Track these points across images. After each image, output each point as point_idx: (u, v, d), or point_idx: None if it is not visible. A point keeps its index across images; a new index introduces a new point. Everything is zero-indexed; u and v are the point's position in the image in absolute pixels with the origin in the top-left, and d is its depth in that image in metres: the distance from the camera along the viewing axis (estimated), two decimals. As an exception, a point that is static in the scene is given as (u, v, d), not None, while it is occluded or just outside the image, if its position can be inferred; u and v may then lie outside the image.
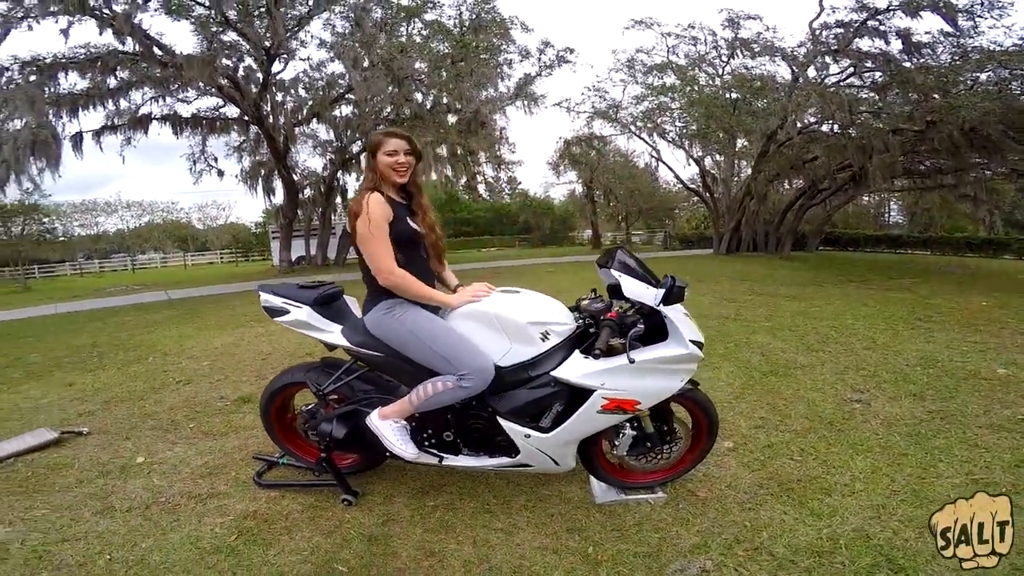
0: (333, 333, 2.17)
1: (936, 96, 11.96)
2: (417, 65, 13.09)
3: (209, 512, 2.26)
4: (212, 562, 1.93)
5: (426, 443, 2.15)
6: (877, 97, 14.33)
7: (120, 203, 41.64)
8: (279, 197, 17.79)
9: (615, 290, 2.00)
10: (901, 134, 12.89)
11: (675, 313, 1.95)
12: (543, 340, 2.00)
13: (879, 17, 13.38)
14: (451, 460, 2.15)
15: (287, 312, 2.22)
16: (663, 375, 1.98)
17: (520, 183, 28.65)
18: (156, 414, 3.44)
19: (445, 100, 13.64)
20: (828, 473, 2.43)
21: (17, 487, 2.54)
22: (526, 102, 16.24)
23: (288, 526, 2.14)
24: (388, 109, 14.89)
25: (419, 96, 14.12)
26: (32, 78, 10.85)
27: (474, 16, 14.42)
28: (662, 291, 1.91)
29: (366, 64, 12.15)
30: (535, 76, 16.68)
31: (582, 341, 2.08)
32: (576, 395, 1.97)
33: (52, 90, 11.59)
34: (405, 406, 2.04)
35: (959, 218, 26.34)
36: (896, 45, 13.39)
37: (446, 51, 13.68)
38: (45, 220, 21.76)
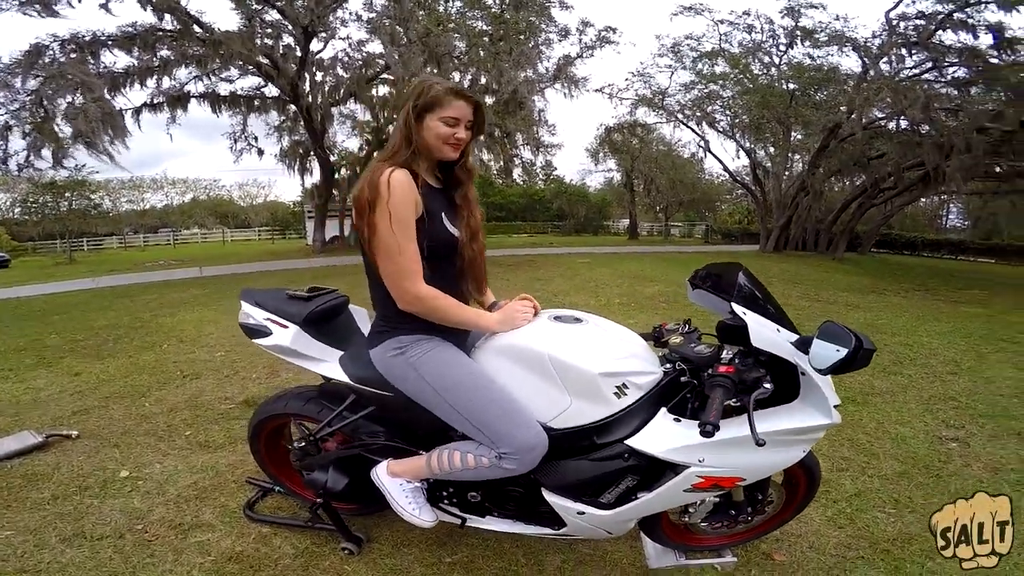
0: (328, 363, 1.67)
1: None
2: (455, 43, 12.62)
3: (188, 548, 1.93)
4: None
5: (445, 501, 1.69)
6: (957, 93, 13.22)
7: (166, 180, 43.04)
8: (315, 177, 17.76)
9: (728, 331, 1.44)
10: (985, 134, 11.82)
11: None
12: (618, 397, 1.42)
13: (968, 10, 12.27)
14: (476, 522, 1.69)
15: (268, 333, 1.71)
16: (785, 447, 1.41)
17: (556, 168, 27.99)
18: (153, 416, 3.15)
19: (483, 80, 13.13)
20: (928, 531, 1.97)
21: (-11, 499, 2.27)
22: (566, 84, 15.58)
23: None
24: (425, 88, 14.54)
25: (456, 75, 13.66)
26: (73, 55, 10.83)
27: (515, -7, 13.87)
28: (793, 336, 1.36)
29: (404, 41, 11.74)
30: (575, 57, 16.01)
31: (669, 394, 1.50)
32: (657, 467, 1.43)
33: (95, 68, 11.59)
34: (421, 466, 1.57)
35: (1029, 225, 24.45)
36: (985, 40, 12.31)
37: (484, 28, 13.15)
38: (93, 196, 22.29)
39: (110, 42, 11.41)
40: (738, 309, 1.35)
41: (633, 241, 26.09)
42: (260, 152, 17.58)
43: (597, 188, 36.89)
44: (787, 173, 19.37)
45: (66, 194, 20.51)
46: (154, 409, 3.26)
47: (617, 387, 1.41)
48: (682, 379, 1.49)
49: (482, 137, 15.01)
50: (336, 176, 17.85)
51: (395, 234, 1.33)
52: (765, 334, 1.33)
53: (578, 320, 1.58)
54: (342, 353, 1.70)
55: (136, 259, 19.01)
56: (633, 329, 1.66)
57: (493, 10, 13.66)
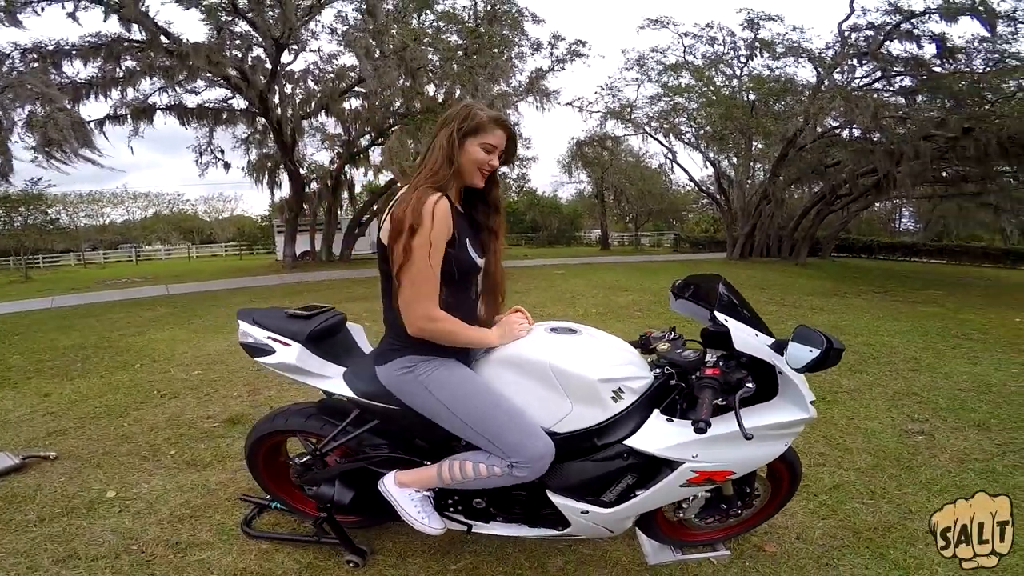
0: (333, 380, 1.70)
1: (970, 102, 11.59)
2: (430, 56, 12.68)
3: (189, 567, 1.90)
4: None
5: (451, 509, 1.74)
6: (904, 102, 13.95)
7: (127, 194, 41.59)
8: (285, 190, 17.49)
9: (711, 337, 1.55)
10: (932, 140, 12.51)
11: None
12: (615, 401, 1.52)
13: (913, 21, 12.97)
14: (482, 528, 1.74)
15: (271, 352, 1.73)
16: (769, 441, 1.55)
17: (529, 180, 28.25)
18: (134, 436, 3.07)
19: (458, 93, 13.24)
20: (906, 519, 2.17)
21: (-31, 524, 2.18)
22: (538, 97, 15.83)
23: (281, 592, 1.78)
24: (399, 102, 14.53)
25: (431, 89, 13.73)
26: (34, 65, 10.47)
27: (490, 7, 14.04)
28: (768, 341, 1.47)
29: (377, 54, 11.75)
30: (547, 71, 16.29)
31: (660, 396, 1.61)
32: (654, 464, 1.54)
33: (56, 78, 11.22)
34: (430, 476, 1.60)
35: (975, 227, 25.83)
36: (929, 50, 13.04)
37: (459, 42, 13.28)
38: (50, 211, 21.37)
39: (74, 52, 11.07)
40: (720, 317, 1.47)
41: (605, 251, 26.47)
42: (227, 165, 17.22)
43: (569, 200, 37.38)
44: (750, 182, 20.03)
45: (20, 208, 19.61)
46: (134, 429, 3.17)
47: (614, 391, 1.51)
48: (671, 382, 1.60)
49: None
50: (306, 190, 17.61)
51: (430, 263, 1.37)
52: (746, 339, 1.46)
53: (572, 331, 1.67)
54: (345, 369, 1.73)
55: (97, 276, 18.24)
56: (621, 338, 1.76)
57: (468, 24, 13.79)
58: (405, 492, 1.63)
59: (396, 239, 1.38)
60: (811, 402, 1.53)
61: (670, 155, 21.04)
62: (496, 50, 13.12)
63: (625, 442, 1.51)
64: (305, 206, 17.90)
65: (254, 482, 2.13)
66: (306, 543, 1.99)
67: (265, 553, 1.97)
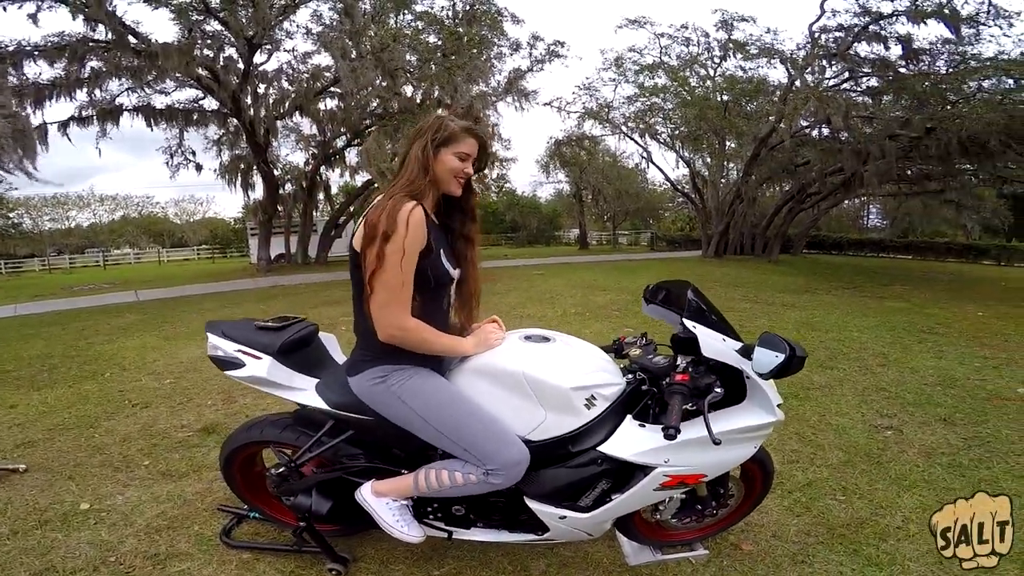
0: (305, 391, 1.70)
1: (932, 103, 11.98)
2: (408, 57, 12.58)
3: (168, 579, 1.87)
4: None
5: (430, 516, 1.75)
6: (871, 102, 14.32)
7: (93, 197, 40.37)
8: (258, 192, 17.15)
9: (682, 343, 1.57)
10: (896, 140, 12.89)
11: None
12: (588, 408, 1.54)
13: (881, 22, 13.27)
14: (462, 534, 1.75)
15: (241, 365, 1.71)
16: (739, 444, 1.59)
17: (508, 181, 28.27)
18: (106, 447, 2.99)
19: (436, 94, 13.18)
20: (878, 514, 2.24)
21: (-63, 539, 2.11)
22: (517, 98, 15.85)
23: (263, 602, 1.77)
24: (375, 103, 14.38)
25: (408, 89, 13.63)
26: (-7, 66, 10.08)
27: (467, 7, 13.99)
28: (745, 348, 1.51)
29: (354, 55, 11.61)
30: (526, 71, 16.31)
31: (633, 402, 1.64)
32: (627, 470, 1.57)
33: (17, 79, 10.81)
34: (407, 485, 1.61)
35: (939, 223, 26.79)
36: (896, 51, 13.34)
37: (437, 43, 13.20)
38: (11, 214, 20.63)
39: (36, 52, 10.67)
40: (689, 324, 1.51)
41: (584, 251, 26.66)
42: (198, 167, 16.81)
43: (548, 199, 37.53)
44: (723, 181, 20.36)
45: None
46: (106, 440, 3.10)
47: (587, 399, 1.54)
48: (643, 387, 1.64)
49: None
50: (281, 191, 17.31)
51: (402, 271, 1.39)
52: (713, 345, 1.50)
53: (546, 339, 1.69)
54: (318, 380, 1.72)
55: (62, 282, 17.66)
56: (595, 343, 1.80)
57: (447, 24, 13.71)
58: (383, 501, 1.64)
59: (369, 245, 1.39)
60: (778, 405, 1.59)
61: (646, 155, 21.31)
62: (475, 51, 13.07)
63: (599, 448, 1.54)
64: (280, 208, 17.59)
65: (232, 492, 2.10)
66: (287, 552, 1.98)
67: (246, 563, 1.95)
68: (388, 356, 1.52)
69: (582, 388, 1.53)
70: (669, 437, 1.33)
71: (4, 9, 10.06)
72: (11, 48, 10.54)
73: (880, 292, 9.93)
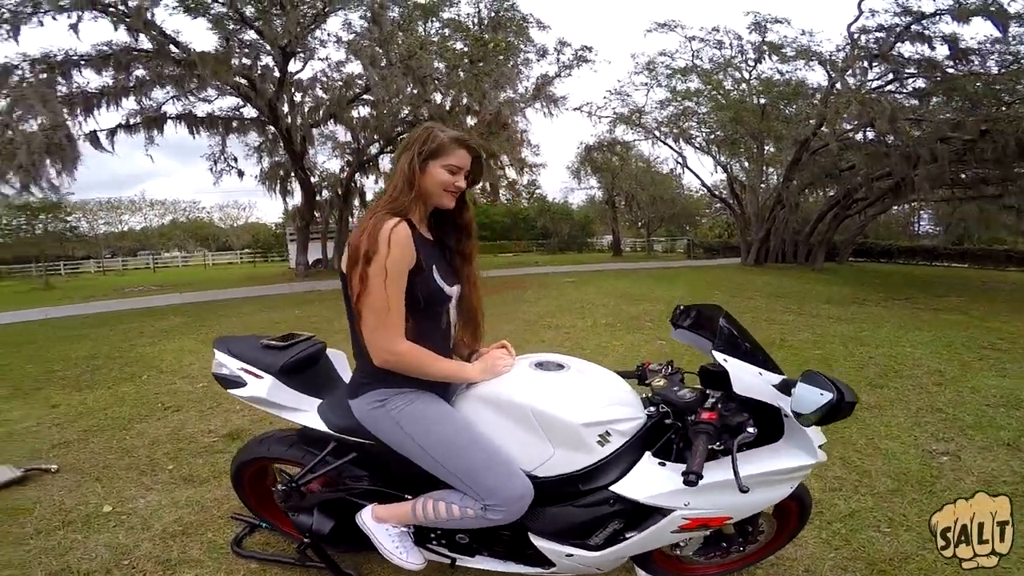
0: (307, 413, 1.64)
1: (985, 104, 11.36)
2: (436, 64, 12.70)
3: (177, 586, 1.86)
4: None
5: (433, 541, 1.66)
6: (918, 104, 13.68)
7: (144, 202, 42.37)
8: (297, 198, 17.64)
9: (712, 376, 1.44)
10: (949, 143, 12.24)
11: None
12: (601, 445, 1.41)
13: (924, 22, 12.71)
14: (466, 561, 1.66)
15: (242, 384, 1.67)
16: (771, 486, 1.42)
17: (538, 187, 28.22)
18: (135, 449, 3.06)
19: (465, 101, 13.25)
20: (925, 548, 2.03)
21: (-33, 535, 2.21)
22: (545, 104, 15.78)
23: (268, 616, 1.73)
24: (406, 110, 14.58)
25: (438, 97, 13.76)
26: (43, 76, 10.60)
27: (493, 13, 14.05)
28: (779, 379, 1.36)
29: (384, 63, 11.80)
30: (554, 77, 16.24)
31: (654, 436, 1.49)
32: (643, 510, 1.42)
33: (66, 89, 11.36)
34: (406, 513, 1.54)
35: (998, 230, 25.22)
36: (942, 51, 12.77)
37: (464, 49, 13.30)
38: (69, 218, 21.91)
39: (83, 62, 11.18)
40: (719, 357, 1.36)
41: (617, 258, 26.33)
42: (240, 174, 17.45)
43: (580, 205, 37.31)
44: (763, 186, 19.81)
45: (40, 216, 20.08)
46: (135, 442, 3.16)
47: (600, 435, 1.41)
48: (666, 421, 1.49)
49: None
50: (318, 198, 17.76)
51: (387, 292, 1.31)
52: (747, 380, 1.35)
53: (560, 367, 1.56)
54: (320, 402, 1.67)
55: (115, 284, 18.56)
56: (621, 361, 1.68)
57: (473, 31, 13.81)
58: (383, 527, 1.57)
59: (353, 267, 1.32)
60: (820, 446, 1.43)
61: (681, 160, 20.92)
62: (501, 57, 13.09)
63: (611, 488, 1.41)
64: (317, 214, 18.05)
65: (242, 503, 2.10)
66: (293, 565, 1.94)
67: (253, 573, 1.93)
68: (387, 379, 1.44)
69: (595, 424, 1.40)
70: (689, 484, 1.19)
71: (50, 20, 10.42)
72: (59, 58, 11.05)
73: (935, 304, 9.33)
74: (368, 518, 1.59)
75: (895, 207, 23.61)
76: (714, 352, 1.37)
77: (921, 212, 31.72)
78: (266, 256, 35.43)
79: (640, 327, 6.49)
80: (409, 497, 1.59)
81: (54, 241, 21.19)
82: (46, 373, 4.94)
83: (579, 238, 36.09)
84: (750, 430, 1.31)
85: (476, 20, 14.35)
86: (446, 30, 13.92)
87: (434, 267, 1.43)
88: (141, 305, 10.68)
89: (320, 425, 1.60)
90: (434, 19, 13.79)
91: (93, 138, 12.34)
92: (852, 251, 21.53)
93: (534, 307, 7.96)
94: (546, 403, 1.41)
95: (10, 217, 20.67)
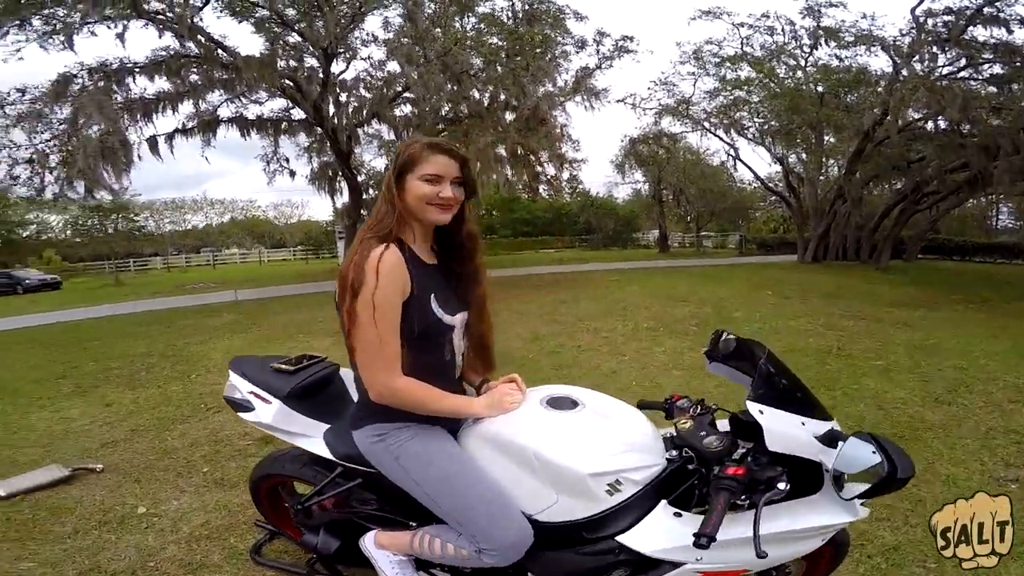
0: (313, 439, 1.60)
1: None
2: (472, 60, 12.65)
3: (195, 589, 1.92)
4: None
5: (435, 568, 1.61)
6: (996, 91, 12.55)
7: (205, 201, 44.75)
8: (345, 197, 18.09)
9: (743, 426, 1.30)
10: (1032, 133, 11.21)
11: None
12: (610, 494, 1.29)
13: (997, 4, 11.68)
14: None
15: (251, 409, 1.66)
16: (799, 541, 1.29)
17: (581, 183, 27.77)
18: (175, 451, 3.19)
19: (503, 96, 13.14)
20: (929, 531, 1.80)
21: (14, 531, 2.38)
22: (586, 96, 15.43)
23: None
24: (447, 107, 14.65)
25: (476, 93, 13.72)
26: (100, 84, 11.15)
27: (528, 6, 13.85)
28: (824, 428, 1.23)
29: (421, 60, 11.85)
30: (594, 69, 15.83)
31: (672, 483, 1.36)
32: (651, 561, 1.30)
33: (124, 95, 11.94)
34: (405, 543, 1.49)
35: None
36: (1020, 35, 11.79)
37: (500, 44, 13.18)
38: (137, 218, 23.48)
39: (136, 69, 11.70)
40: (753, 409, 1.21)
41: (664, 254, 25.60)
42: (292, 173, 18.02)
43: (625, 200, 36.50)
44: (822, 179, 18.76)
45: (111, 216, 21.57)
46: (176, 443, 3.30)
47: (610, 484, 1.29)
48: (690, 466, 1.35)
49: (505, 154, 14.86)
50: (364, 196, 18.17)
51: (377, 327, 1.22)
52: (785, 434, 1.20)
53: (575, 404, 1.44)
54: (327, 427, 1.63)
55: (178, 280, 19.70)
56: (642, 399, 1.56)
57: (508, 25, 13.66)
58: (384, 553, 1.53)
59: (341, 301, 1.25)
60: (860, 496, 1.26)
61: (732, 152, 20.10)
62: (538, 50, 12.87)
63: (618, 538, 1.29)
64: (364, 212, 18.47)
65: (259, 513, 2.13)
66: (309, 577, 1.95)
67: (267, 582, 1.96)
68: (387, 413, 1.37)
69: (604, 474, 1.28)
70: (700, 546, 1.06)
71: (104, 30, 10.89)
72: (115, 66, 11.63)
73: (1014, 308, 8.52)
74: (371, 544, 1.56)
75: (970, 201, 21.81)
76: (748, 404, 1.22)
77: (1000, 206, 29.30)
78: (317, 253, 36.68)
79: (685, 331, 6.24)
80: (414, 525, 1.55)
81: (124, 239, 22.72)
82: (104, 371, 5.26)
83: (624, 234, 35.33)
84: (781, 486, 1.17)
85: (511, 14, 14.20)
86: (481, 25, 13.84)
87: (432, 296, 1.33)
88: (199, 302, 11.27)
89: (325, 452, 1.57)
90: (470, 14, 13.74)
91: (152, 143, 12.99)
92: (921, 247, 20.07)
93: (573, 308, 7.79)
94: (552, 448, 1.31)
95: (85, 217, 22.30)
